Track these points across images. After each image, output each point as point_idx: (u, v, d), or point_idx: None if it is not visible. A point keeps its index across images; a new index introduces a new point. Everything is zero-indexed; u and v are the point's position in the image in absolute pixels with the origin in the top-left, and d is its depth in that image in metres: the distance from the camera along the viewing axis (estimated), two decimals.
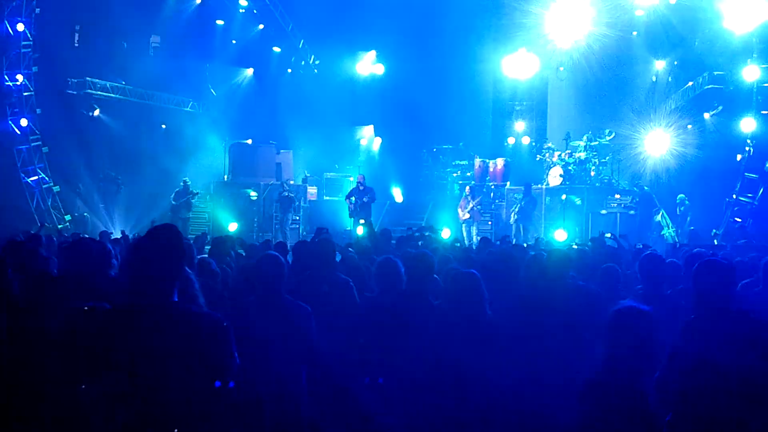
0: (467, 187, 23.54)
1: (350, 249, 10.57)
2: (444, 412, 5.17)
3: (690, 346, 4.76)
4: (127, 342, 3.30)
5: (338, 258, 7.64)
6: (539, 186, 24.10)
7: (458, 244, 12.93)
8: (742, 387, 4.61)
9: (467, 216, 22.53)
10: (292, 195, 23.58)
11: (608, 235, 12.74)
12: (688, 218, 21.39)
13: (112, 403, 3.27)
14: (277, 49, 29.66)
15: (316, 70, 30.96)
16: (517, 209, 22.37)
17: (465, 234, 22.07)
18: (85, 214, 23.07)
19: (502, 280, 6.36)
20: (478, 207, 22.80)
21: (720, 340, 4.70)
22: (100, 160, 23.73)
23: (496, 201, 24.47)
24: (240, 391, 3.76)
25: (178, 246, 3.55)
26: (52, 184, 22.30)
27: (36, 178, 21.89)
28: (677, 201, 21.85)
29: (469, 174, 26.68)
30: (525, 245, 14.38)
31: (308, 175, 26.98)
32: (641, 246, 12.06)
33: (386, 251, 9.25)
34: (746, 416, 4.63)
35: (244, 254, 10.66)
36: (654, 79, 27.19)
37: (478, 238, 18.97)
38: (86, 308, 4.35)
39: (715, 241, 18.61)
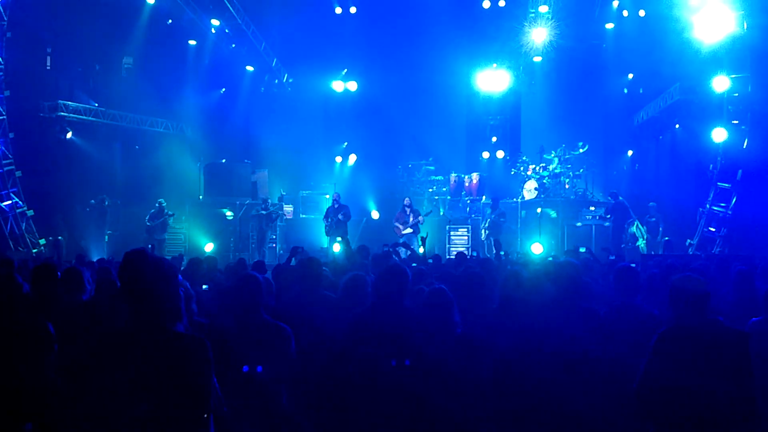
0: (406, 198, 22.83)
1: (324, 268, 10.55)
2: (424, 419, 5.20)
3: (663, 359, 4.83)
4: (113, 366, 3.30)
5: None
6: (515, 200, 24.26)
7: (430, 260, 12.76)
8: (714, 398, 4.70)
9: (409, 230, 21.58)
10: (271, 209, 23.45)
11: (582, 249, 12.79)
12: (660, 228, 21.57)
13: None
14: (250, 68, 29.61)
15: (289, 89, 30.95)
16: (487, 224, 22.41)
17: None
18: (60, 237, 22.86)
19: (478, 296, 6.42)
20: (421, 223, 21.63)
21: (693, 355, 4.79)
22: (74, 183, 23.54)
23: (472, 216, 24.60)
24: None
25: (160, 268, 3.51)
26: (26, 208, 22.07)
27: (9, 202, 21.59)
28: (648, 207, 22.06)
29: (444, 189, 26.77)
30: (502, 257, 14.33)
31: (284, 193, 26.93)
32: (614, 257, 12.12)
33: (363, 268, 9.25)
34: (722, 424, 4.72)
35: (223, 276, 10.62)
36: (625, 90, 27.48)
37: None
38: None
39: (690, 251, 18.81)
